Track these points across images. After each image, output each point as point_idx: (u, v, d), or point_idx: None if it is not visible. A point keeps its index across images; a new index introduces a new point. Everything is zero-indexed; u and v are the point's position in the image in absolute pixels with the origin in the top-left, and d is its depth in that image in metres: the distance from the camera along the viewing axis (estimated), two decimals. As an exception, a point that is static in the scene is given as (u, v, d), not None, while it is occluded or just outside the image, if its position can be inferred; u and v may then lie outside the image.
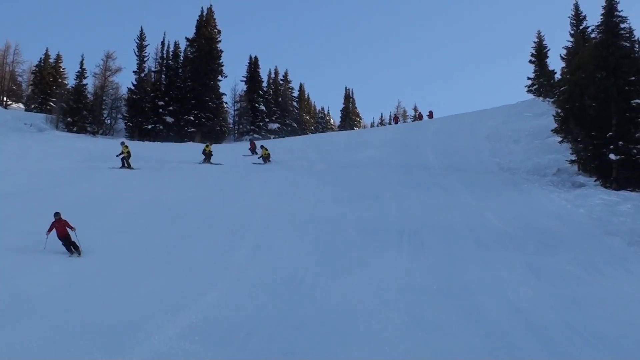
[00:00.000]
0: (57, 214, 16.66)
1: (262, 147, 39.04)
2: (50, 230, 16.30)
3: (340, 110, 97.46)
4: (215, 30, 67.31)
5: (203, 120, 62.14)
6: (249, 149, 41.95)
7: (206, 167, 33.57)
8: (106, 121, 63.30)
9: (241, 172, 30.98)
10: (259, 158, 36.90)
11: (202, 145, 39.76)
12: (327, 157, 35.38)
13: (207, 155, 36.57)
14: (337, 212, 21.59)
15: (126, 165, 32.14)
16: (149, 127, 60.07)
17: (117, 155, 32.55)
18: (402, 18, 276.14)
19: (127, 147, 32.95)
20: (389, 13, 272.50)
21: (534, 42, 54.55)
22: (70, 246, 16.40)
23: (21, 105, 78.26)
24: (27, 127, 53.55)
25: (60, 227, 16.41)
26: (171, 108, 62.29)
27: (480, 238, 18.02)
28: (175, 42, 67.78)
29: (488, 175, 29.67)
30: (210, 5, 68.53)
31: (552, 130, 32.89)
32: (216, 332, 9.81)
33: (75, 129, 56.96)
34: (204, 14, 67.33)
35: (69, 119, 57.93)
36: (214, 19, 67.77)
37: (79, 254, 16.26)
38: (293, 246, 16.99)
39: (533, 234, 18.61)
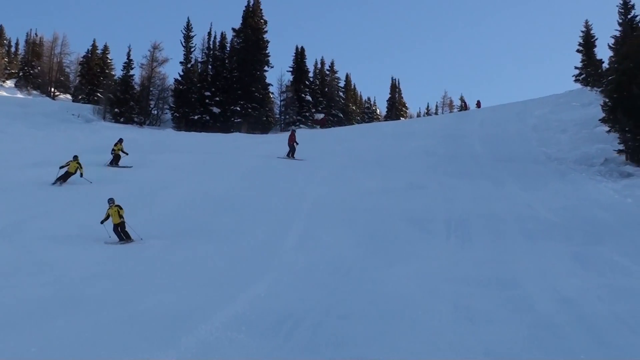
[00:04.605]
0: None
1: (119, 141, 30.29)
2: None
3: (387, 100, 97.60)
4: (261, 20, 67.90)
5: (249, 110, 62.80)
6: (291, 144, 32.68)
7: (252, 158, 31.98)
8: (153, 112, 64.55)
9: (288, 164, 31.16)
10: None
11: (248, 136, 38.24)
12: (374, 148, 35.36)
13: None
14: (385, 202, 21.63)
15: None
16: (196, 117, 61.00)
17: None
18: (447, 8, 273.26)
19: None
20: (434, 3, 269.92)
21: (582, 32, 54.44)
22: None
23: (69, 96, 79.87)
24: (75, 118, 54.78)
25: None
26: (218, 99, 63.19)
27: (527, 228, 17.86)
28: (222, 33, 68.91)
29: (535, 165, 29.32)
30: (257, -5, 68.75)
31: (599, 120, 32.22)
32: (263, 322, 9.92)
33: (122, 120, 58.17)
34: (251, 4, 68.14)
35: (116, 110, 59.28)
36: (261, 10, 68.49)
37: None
38: (340, 236, 17.14)
39: (580, 224, 18.34)
